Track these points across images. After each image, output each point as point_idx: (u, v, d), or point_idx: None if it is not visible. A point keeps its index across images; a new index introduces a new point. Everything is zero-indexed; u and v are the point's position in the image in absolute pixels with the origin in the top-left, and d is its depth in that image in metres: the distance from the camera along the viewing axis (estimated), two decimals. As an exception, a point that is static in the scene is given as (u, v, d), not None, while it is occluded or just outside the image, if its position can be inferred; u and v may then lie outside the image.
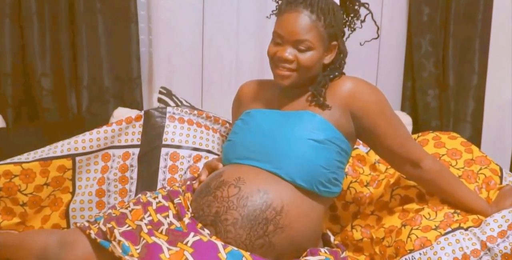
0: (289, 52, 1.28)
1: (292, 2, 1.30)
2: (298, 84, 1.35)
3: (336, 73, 1.36)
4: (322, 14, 1.27)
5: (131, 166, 1.66)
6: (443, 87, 2.41)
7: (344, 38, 1.40)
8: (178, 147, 1.69)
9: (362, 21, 1.40)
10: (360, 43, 1.45)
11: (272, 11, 1.38)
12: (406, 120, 2.30)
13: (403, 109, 2.46)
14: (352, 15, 1.39)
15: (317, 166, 1.27)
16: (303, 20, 1.27)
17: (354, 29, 1.41)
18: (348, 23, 1.40)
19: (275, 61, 1.31)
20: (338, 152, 1.31)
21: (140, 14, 2.23)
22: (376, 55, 2.42)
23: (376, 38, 1.43)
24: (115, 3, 2.16)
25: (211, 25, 2.29)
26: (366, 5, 1.40)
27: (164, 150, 1.68)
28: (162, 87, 2.01)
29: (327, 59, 1.35)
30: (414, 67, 2.38)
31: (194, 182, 1.41)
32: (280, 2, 1.37)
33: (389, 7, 2.38)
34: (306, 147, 1.27)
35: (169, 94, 1.96)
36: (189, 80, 2.32)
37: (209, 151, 1.72)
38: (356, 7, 1.39)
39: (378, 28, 1.41)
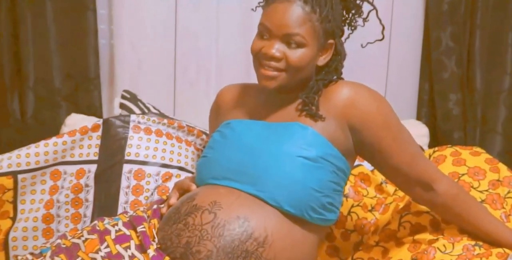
0: (276, 48, 1.32)
1: None
2: (286, 89, 1.39)
3: (332, 78, 1.41)
4: (317, 6, 1.32)
5: (87, 186, 1.70)
6: (468, 90, 2.47)
7: (344, 38, 1.44)
8: (144, 163, 1.74)
9: (365, 19, 1.45)
10: (362, 45, 1.49)
11: (259, 3, 1.43)
12: (422, 131, 2.36)
13: (419, 117, 2.52)
14: (353, 11, 1.44)
15: (308, 189, 1.31)
16: (295, 11, 1.31)
17: (355, 28, 1.45)
18: (348, 21, 1.45)
19: (260, 58, 1.35)
20: (334, 171, 1.35)
21: (99, -2, 2.28)
22: (386, 52, 2.47)
23: (381, 40, 1.47)
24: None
25: (186, 12, 2.33)
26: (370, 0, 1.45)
27: (126, 167, 1.72)
28: (125, 91, 2.06)
29: (322, 60, 1.40)
30: (432, 67, 2.44)
31: (162, 205, 1.45)
32: None
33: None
34: (295, 166, 1.31)
35: (133, 98, 2.01)
36: (158, 81, 2.37)
37: (181, 168, 1.77)
38: (358, 1, 1.44)
39: (383, 28, 1.45)
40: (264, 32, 1.35)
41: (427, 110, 2.51)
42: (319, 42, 1.35)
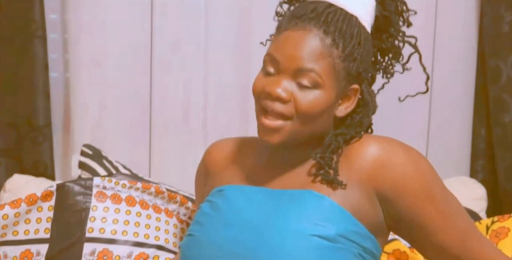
0: (284, 87, 1.36)
1: (300, 17, 1.38)
2: (294, 144, 1.43)
3: (355, 133, 1.44)
4: (341, 39, 1.36)
5: (35, 273, 1.74)
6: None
7: (377, 89, 1.50)
8: (111, 241, 1.77)
9: (405, 65, 1.49)
10: (400, 99, 1.54)
11: (270, 36, 1.47)
12: (478, 192, 2.40)
13: (473, 173, 2.56)
14: (390, 55, 1.50)
15: (326, 278, 1.34)
16: (313, 42, 1.35)
17: (392, 75, 1.51)
18: (383, 66, 1.50)
19: (262, 101, 1.39)
20: (359, 254, 1.38)
21: (50, 18, 2.36)
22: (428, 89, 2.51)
23: (425, 93, 1.52)
24: (11, 6, 2.26)
25: (164, 33, 2.40)
26: (413, 40, 1.49)
27: (88, 247, 1.76)
28: (86, 145, 2.09)
29: (342, 110, 1.43)
30: (490, 106, 2.49)
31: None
32: (282, 17, 1.47)
33: (448, 12, 2.51)
34: (309, 249, 1.33)
35: (97, 155, 2.04)
36: (129, 129, 2.42)
37: (160, 247, 1.81)
38: (397, 41, 1.49)
39: (427, 78, 1.50)
40: (270, 65, 1.38)
41: (484, 164, 2.56)
42: (340, 85, 1.38)
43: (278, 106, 1.36)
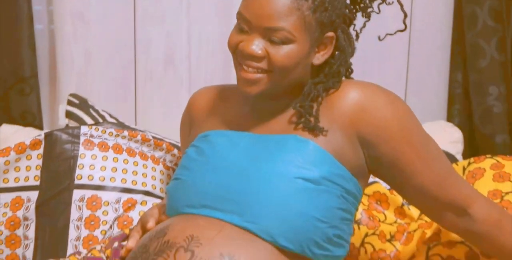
0: (256, 45, 1.35)
1: None
2: (273, 94, 1.43)
3: (333, 81, 1.44)
4: None
5: (26, 219, 1.74)
6: (513, 81, 2.53)
7: (354, 28, 1.48)
8: (100, 188, 1.78)
9: (382, 3, 1.48)
10: (379, 38, 1.53)
11: None
12: (455, 135, 2.41)
13: (450, 117, 2.58)
14: None
15: (310, 219, 1.34)
16: None
17: (369, 16, 1.48)
18: (360, 7, 1.48)
19: (239, 56, 1.39)
20: (342, 196, 1.39)
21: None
22: (406, 35, 2.51)
23: (403, 31, 1.51)
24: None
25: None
26: None
27: (77, 194, 1.77)
28: (72, 95, 2.08)
29: (319, 58, 1.43)
30: (466, 52, 2.50)
31: (124, 243, 1.49)
32: None
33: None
34: (294, 191, 1.34)
35: (83, 104, 2.04)
36: (115, 79, 2.41)
37: (147, 193, 1.82)
38: None
39: (405, 16, 1.48)
40: (243, 23, 1.38)
41: (461, 108, 2.58)
42: (313, 36, 1.37)
43: (254, 63, 1.36)
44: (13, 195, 1.75)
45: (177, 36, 2.42)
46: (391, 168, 1.44)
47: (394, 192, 1.80)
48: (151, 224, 1.48)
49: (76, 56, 2.36)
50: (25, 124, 2.30)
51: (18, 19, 2.27)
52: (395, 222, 1.78)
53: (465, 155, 2.39)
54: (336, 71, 1.44)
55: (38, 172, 1.77)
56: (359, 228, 1.73)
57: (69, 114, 2.04)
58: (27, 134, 2.10)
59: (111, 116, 2.06)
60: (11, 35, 2.29)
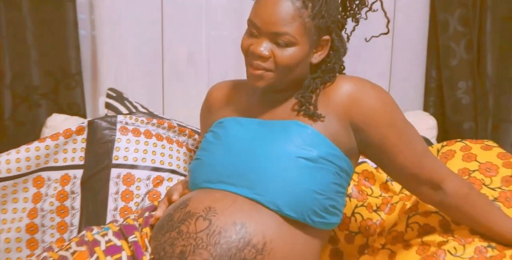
0: (264, 47, 1.35)
1: None
2: (277, 88, 1.43)
3: (329, 76, 1.44)
4: (309, 1, 1.34)
5: (72, 192, 1.74)
6: (479, 77, 2.50)
7: (345, 32, 1.47)
8: (133, 167, 1.78)
9: (369, 10, 1.47)
10: (366, 39, 1.52)
11: None
12: (430, 123, 2.39)
13: (426, 108, 2.55)
14: (356, 2, 1.46)
15: (310, 192, 1.34)
16: (285, 7, 1.33)
17: (358, 22, 1.48)
18: (351, 13, 1.47)
19: (249, 57, 1.39)
20: (336, 173, 1.39)
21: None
22: (389, 38, 2.49)
23: (386, 33, 1.50)
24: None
25: (172, 1, 2.36)
26: None
27: (114, 172, 1.76)
28: (110, 89, 2.08)
29: (316, 58, 1.43)
30: (439, 53, 2.47)
31: (153, 213, 1.48)
32: None
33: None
34: (296, 168, 1.34)
35: (120, 97, 2.03)
36: (146, 76, 2.40)
37: (172, 171, 1.81)
38: None
39: (388, 21, 1.48)
40: (253, 28, 1.37)
41: (435, 100, 2.55)
42: (312, 40, 1.38)
43: (261, 63, 1.36)
44: (62, 172, 1.74)
45: (197, 39, 2.40)
46: (377, 149, 1.44)
47: (380, 170, 1.80)
48: (175, 197, 1.48)
49: (113, 56, 2.35)
50: (72, 113, 2.29)
51: (66, 26, 2.26)
52: (380, 195, 1.78)
53: (439, 139, 2.37)
54: (331, 68, 1.44)
55: (83, 154, 1.77)
56: (350, 200, 1.73)
57: (107, 105, 2.03)
58: (73, 122, 2.10)
59: (142, 106, 2.05)
60: (60, 39, 2.27)
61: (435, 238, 1.53)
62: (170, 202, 1.50)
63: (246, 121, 1.47)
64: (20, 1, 2.22)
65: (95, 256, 1.33)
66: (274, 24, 1.33)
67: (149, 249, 1.36)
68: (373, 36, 1.52)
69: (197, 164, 1.47)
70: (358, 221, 1.70)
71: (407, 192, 1.71)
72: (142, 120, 1.85)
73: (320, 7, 1.35)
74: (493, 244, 1.45)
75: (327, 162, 1.37)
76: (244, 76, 1.45)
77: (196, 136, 1.90)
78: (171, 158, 1.83)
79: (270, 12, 1.33)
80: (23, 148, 1.69)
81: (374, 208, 1.72)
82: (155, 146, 1.82)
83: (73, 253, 1.36)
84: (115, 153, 1.78)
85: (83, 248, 1.37)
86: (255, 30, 1.37)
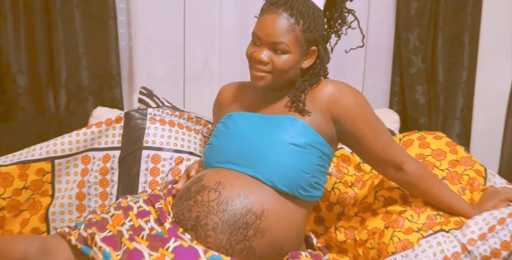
0: (264, 54, 1.34)
1: (274, 3, 1.35)
2: (274, 87, 1.41)
3: (316, 78, 1.42)
4: (301, 18, 1.33)
5: (112, 168, 1.72)
6: (432, 83, 2.49)
7: (333, 44, 1.46)
8: (159, 149, 1.76)
9: (348, 28, 1.46)
10: (346, 51, 1.51)
11: (256, 16, 1.43)
12: (394, 118, 2.37)
13: (391, 106, 2.53)
14: (339, 21, 1.45)
15: (298, 171, 1.33)
16: (281, 22, 1.32)
17: (339, 37, 1.47)
18: (334, 29, 1.46)
19: (252, 61, 1.38)
20: (319, 156, 1.38)
21: (119, 7, 2.28)
22: (363, 52, 2.48)
23: (362, 47, 1.49)
24: (95, -2, 2.19)
25: (192, 20, 2.34)
26: (353, 12, 1.45)
27: (145, 153, 1.74)
28: (143, 87, 2.06)
29: (306, 64, 1.41)
30: (402, 63, 2.45)
31: (175, 185, 1.48)
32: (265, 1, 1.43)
33: (377, 1, 2.44)
34: (287, 152, 1.33)
35: (150, 94, 2.01)
36: (170, 78, 2.39)
37: (191, 153, 1.79)
38: (343, 13, 1.44)
39: (363, 37, 1.47)
40: (256, 39, 1.37)
41: (398, 100, 2.53)
42: (302, 49, 1.37)
43: (262, 67, 1.35)
44: (104, 153, 1.72)
45: (212, 50, 2.39)
46: (352, 138, 1.43)
47: (354, 154, 1.78)
48: (193, 173, 1.47)
49: (145, 62, 2.33)
50: (112, 106, 2.27)
51: (109, 38, 2.24)
52: (354, 174, 1.76)
53: (401, 131, 2.36)
54: (317, 72, 1.42)
55: (120, 138, 1.75)
56: (330, 178, 1.71)
57: (140, 100, 2.01)
58: (113, 113, 2.08)
59: (167, 102, 2.03)
60: (104, 48, 2.25)
61: (397, 208, 1.53)
62: (188, 177, 1.49)
63: (249, 115, 1.45)
64: (74, 18, 2.20)
65: (128, 218, 1.34)
66: (272, 35, 1.33)
67: (171, 214, 1.35)
68: (351, 49, 1.51)
69: (210, 148, 1.46)
70: (337, 195, 1.69)
71: (376, 172, 1.69)
72: (167, 112, 1.83)
73: (309, 24, 1.34)
74: (441, 213, 1.46)
75: (312, 148, 1.36)
76: (248, 79, 1.44)
77: (210, 125, 1.88)
78: (190, 142, 1.80)
79: (270, 26, 1.33)
80: (74, 133, 1.67)
81: (349, 184, 1.71)
82: (177, 133, 1.79)
83: (111, 216, 1.36)
84: (145, 138, 1.75)
85: (120, 212, 1.37)
86: (257, 40, 1.36)
